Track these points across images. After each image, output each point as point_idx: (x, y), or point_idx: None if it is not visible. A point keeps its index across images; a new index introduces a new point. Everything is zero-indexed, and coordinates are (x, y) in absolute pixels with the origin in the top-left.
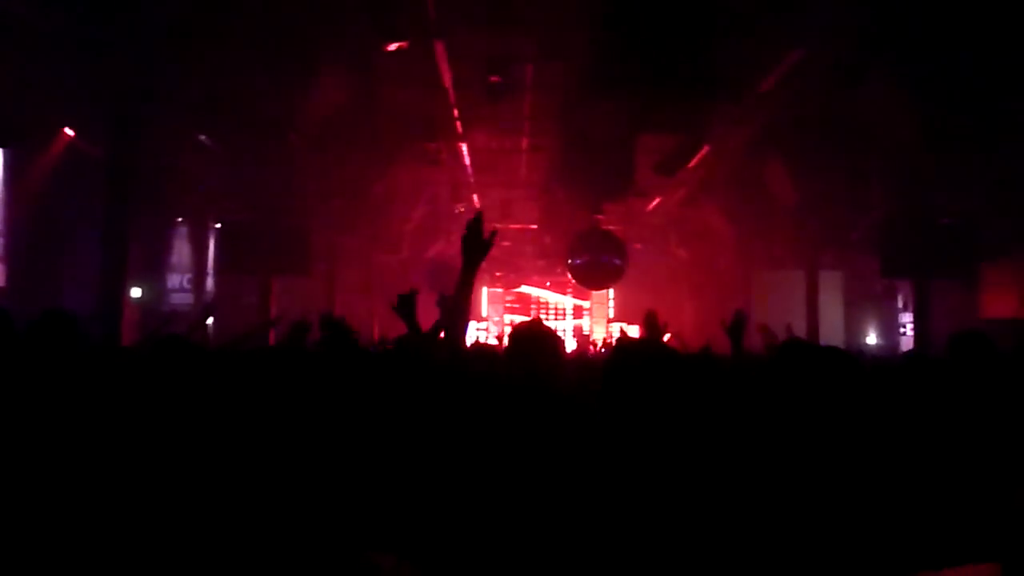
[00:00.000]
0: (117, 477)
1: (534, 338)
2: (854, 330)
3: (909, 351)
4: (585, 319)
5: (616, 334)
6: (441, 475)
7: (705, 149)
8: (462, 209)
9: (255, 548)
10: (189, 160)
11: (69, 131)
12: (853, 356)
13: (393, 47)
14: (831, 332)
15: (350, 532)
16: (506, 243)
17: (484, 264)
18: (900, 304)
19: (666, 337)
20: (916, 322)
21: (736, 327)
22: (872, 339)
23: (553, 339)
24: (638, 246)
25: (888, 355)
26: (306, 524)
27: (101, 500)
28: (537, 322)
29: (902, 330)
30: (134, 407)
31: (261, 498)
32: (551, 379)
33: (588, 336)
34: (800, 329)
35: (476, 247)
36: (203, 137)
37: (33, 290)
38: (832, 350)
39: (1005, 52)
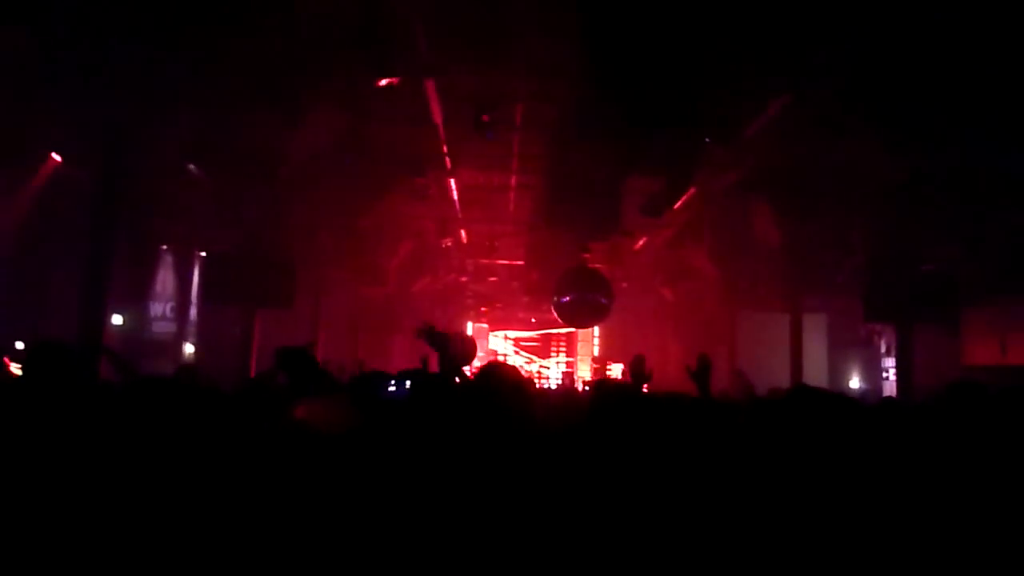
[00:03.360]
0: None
1: (495, 377)
2: (837, 373)
3: (888, 396)
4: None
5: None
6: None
7: (692, 191)
8: (449, 243)
9: None
10: (176, 188)
11: (57, 156)
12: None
13: (384, 83)
14: (815, 374)
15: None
16: (493, 279)
17: (470, 301)
18: (883, 348)
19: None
20: (898, 367)
21: (701, 371)
22: (855, 383)
23: (517, 374)
24: (624, 285)
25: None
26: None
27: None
28: (497, 363)
29: (884, 374)
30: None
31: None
32: (518, 416)
33: (572, 373)
34: (784, 370)
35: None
36: (191, 166)
37: (16, 315)
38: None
39: (987, 101)
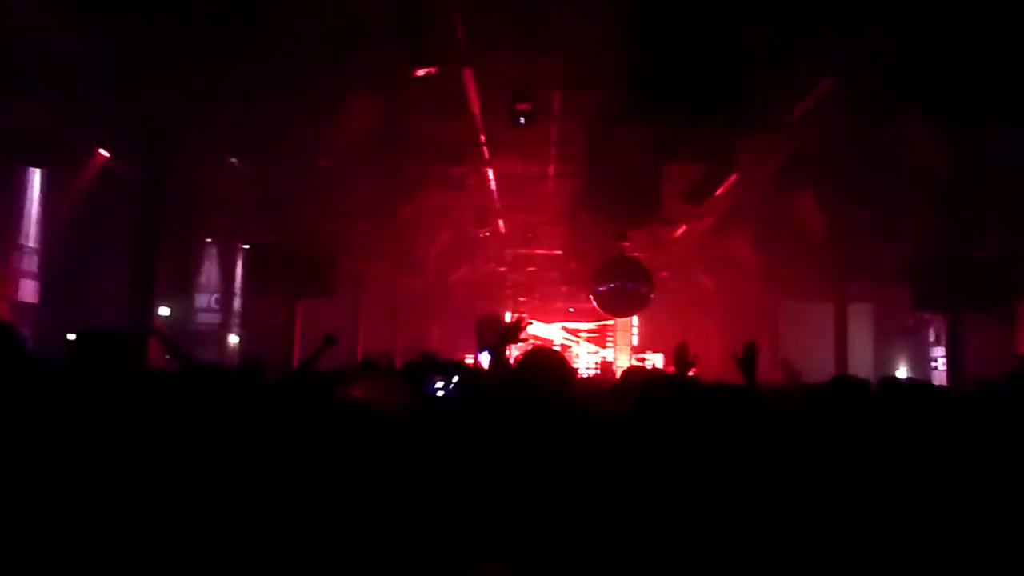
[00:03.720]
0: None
1: (542, 361)
2: (884, 363)
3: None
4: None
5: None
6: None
7: (733, 177)
8: (487, 233)
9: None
10: (219, 182)
11: (104, 152)
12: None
13: (422, 73)
14: (860, 365)
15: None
16: (531, 268)
17: (508, 291)
18: (932, 338)
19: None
20: (949, 357)
21: (748, 359)
22: (902, 372)
23: (561, 362)
24: (664, 274)
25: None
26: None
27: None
28: (544, 348)
29: (933, 364)
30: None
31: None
32: (559, 399)
33: (611, 364)
34: (828, 361)
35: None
36: (234, 160)
37: (65, 307)
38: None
39: None
